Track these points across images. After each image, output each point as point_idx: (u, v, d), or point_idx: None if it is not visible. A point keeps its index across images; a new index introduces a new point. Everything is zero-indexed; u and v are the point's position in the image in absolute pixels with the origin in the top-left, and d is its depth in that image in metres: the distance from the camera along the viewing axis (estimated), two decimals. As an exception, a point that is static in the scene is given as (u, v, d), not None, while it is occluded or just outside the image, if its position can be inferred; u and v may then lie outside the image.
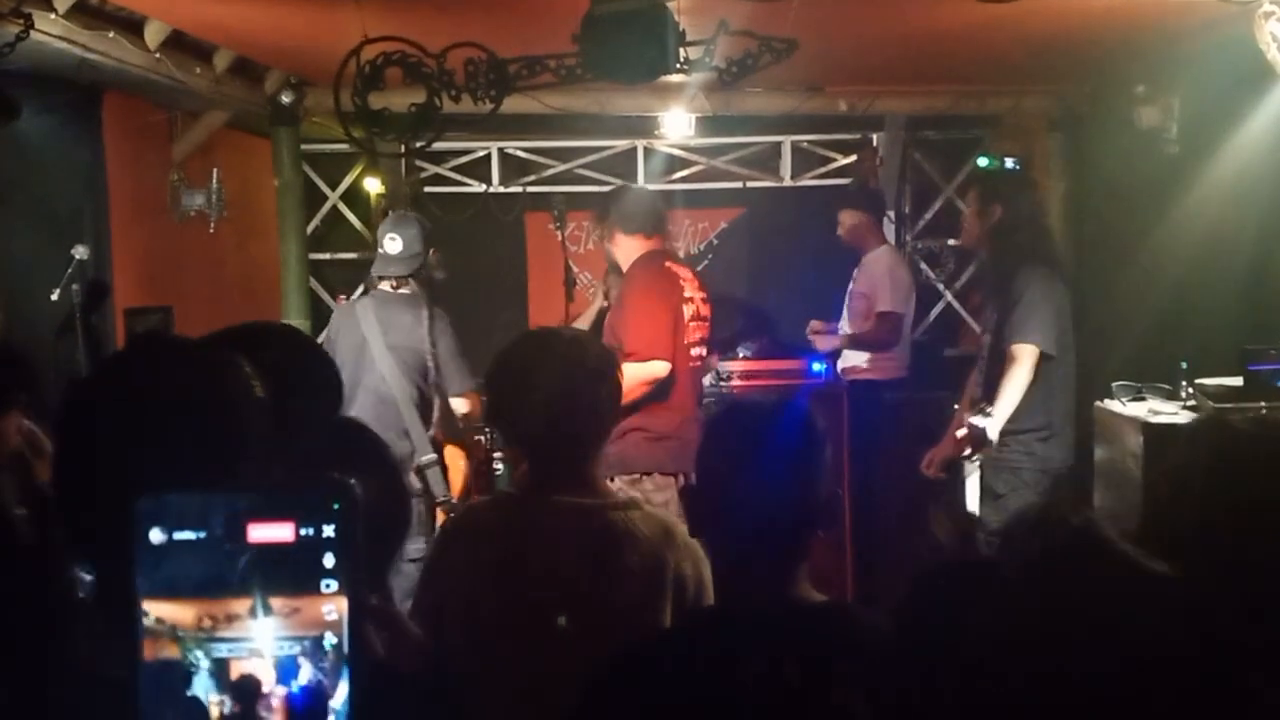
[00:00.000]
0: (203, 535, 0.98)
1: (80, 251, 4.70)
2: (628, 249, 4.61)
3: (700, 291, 4.66)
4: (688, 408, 4.52)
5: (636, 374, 4.18)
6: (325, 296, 7.70)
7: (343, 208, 7.81)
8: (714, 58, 3.87)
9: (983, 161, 7.19)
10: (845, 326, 6.24)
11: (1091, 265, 6.36)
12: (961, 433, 4.68)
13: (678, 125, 6.76)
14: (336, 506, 0.99)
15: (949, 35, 4.95)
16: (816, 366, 5.74)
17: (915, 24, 4.84)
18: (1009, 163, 6.97)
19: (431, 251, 4.80)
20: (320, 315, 7.40)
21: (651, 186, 7.07)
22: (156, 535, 0.98)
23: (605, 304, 5.12)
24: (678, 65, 3.76)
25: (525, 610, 2.24)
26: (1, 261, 4.65)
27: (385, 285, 4.77)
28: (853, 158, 7.83)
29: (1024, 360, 4.52)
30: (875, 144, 7.69)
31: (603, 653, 2.00)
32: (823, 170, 7.90)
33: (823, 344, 6.23)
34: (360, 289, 6.69)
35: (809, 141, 7.84)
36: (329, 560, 0.98)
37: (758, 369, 5.83)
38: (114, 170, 5.42)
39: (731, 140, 7.70)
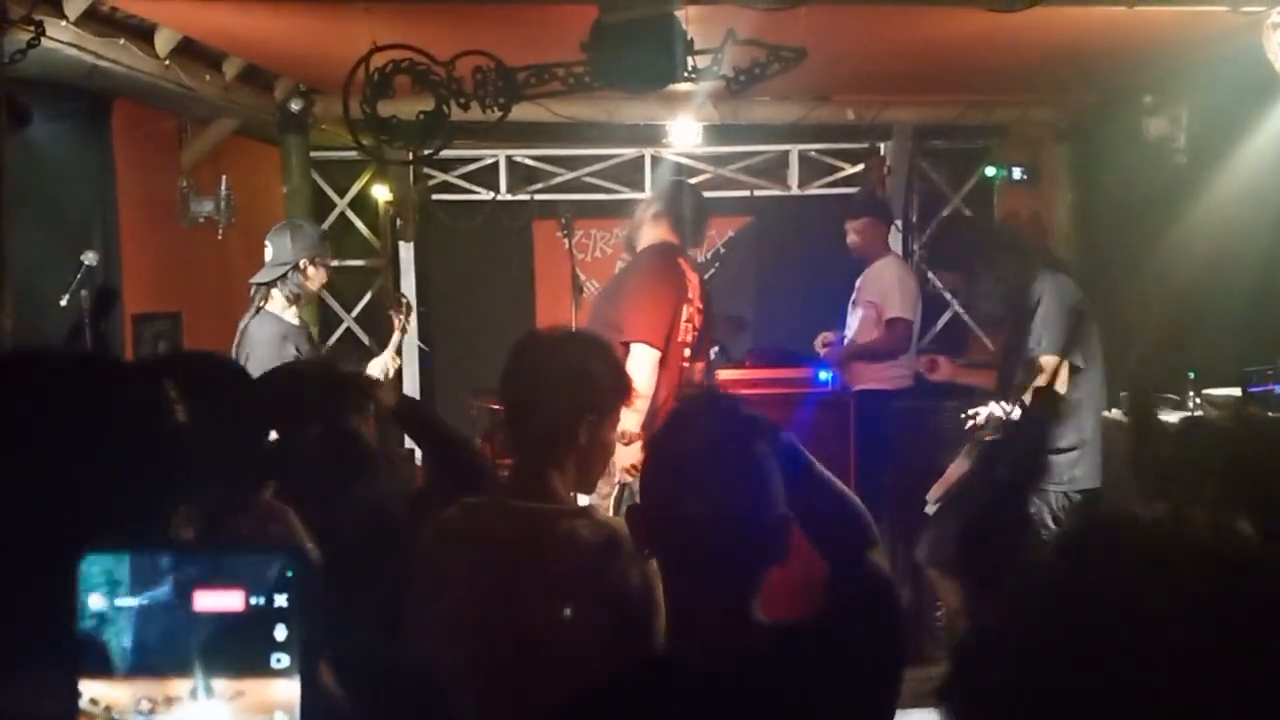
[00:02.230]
0: (146, 602, 0.91)
1: (89, 257, 4.71)
2: (653, 233, 4.63)
3: (700, 301, 4.68)
4: (669, 403, 4.54)
5: (636, 358, 4.21)
6: (333, 303, 7.72)
7: (351, 215, 7.83)
8: (722, 67, 3.88)
9: (990, 171, 7.20)
10: (850, 335, 6.23)
11: (1099, 275, 6.36)
12: (980, 415, 4.69)
13: (685, 134, 6.77)
14: (290, 574, 0.92)
15: (957, 45, 4.95)
16: (823, 375, 5.72)
17: (923, 34, 4.85)
18: (1016, 172, 6.98)
19: (304, 262, 4.66)
20: (328, 322, 7.44)
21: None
22: (98, 600, 0.91)
23: None
24: (686, 74, 3.77)
25: (473, 616, 2.23)
26: (11, 267, 4.66)
27: (268, 304, 4.70)
28: (860, 167, 7.83)
29: (1050, 370, 4.54)
30: (883, 153, 7.69)
31: (542, 663, 2.00)
32: (830, 179, 7.90)
33: (832, 357, 6.23)
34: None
35: (816, 150, 7.84)
36: (280, 632, 0.91)
37: (763, 377, 5.81)
38: (123, 177, 5.44)
39: (739, 149, 7.71)
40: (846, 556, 1.83)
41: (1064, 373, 4.55)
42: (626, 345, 4.21)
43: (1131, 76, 5.76)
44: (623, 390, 2.44)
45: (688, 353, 4.64)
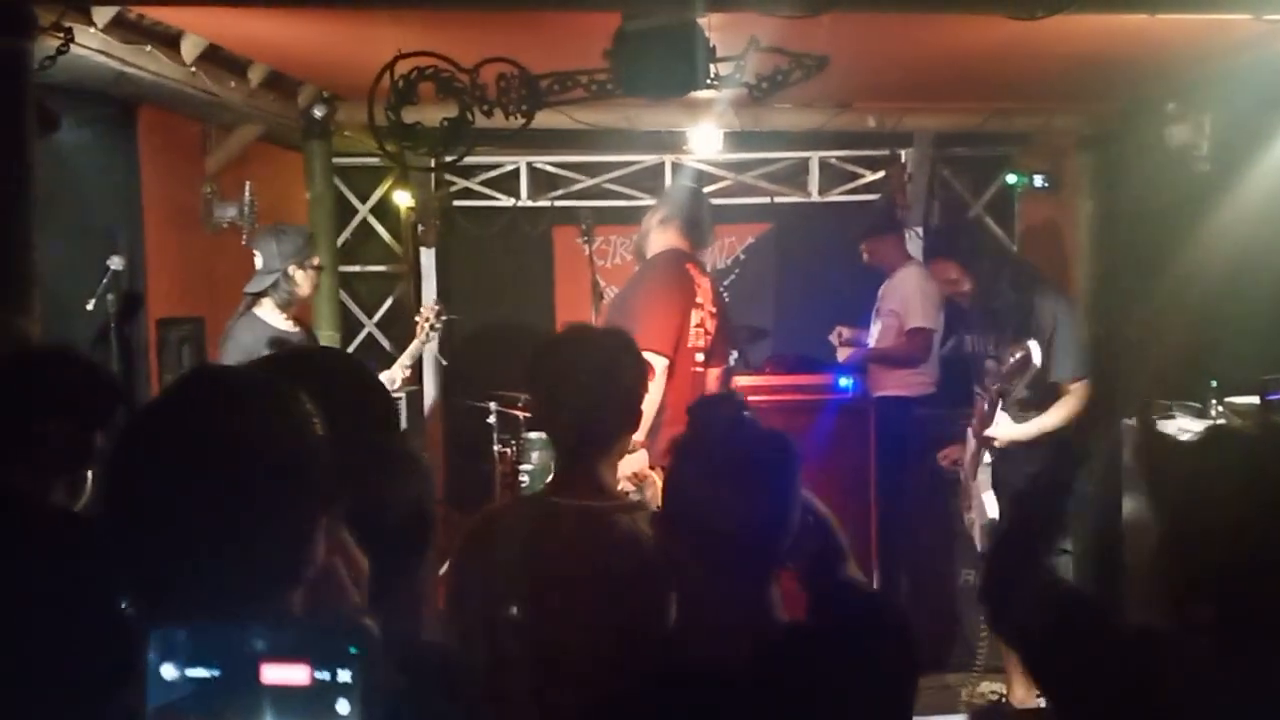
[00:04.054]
0: (216, 674, 0.94)
1: (115, 262, 4.75)
2: (662, 239, 4.62)
3: (713, 305, 4.66)
4: (681, 410, 4.52)
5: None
6: (355, 309, 7.76)
7: (373, 221, 7.87)
8: (744, 74, 3.89)
9: (1011, 179, 7.18)
10: (873, 344, 6.23)
11: (1121, 283, 6.34)
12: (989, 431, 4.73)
13: (706, 140, 6.77)
14: (354, 651, 0.94)
15: (979, 53, 4.95)
16: (844, 382, 5.72)
17: (945, 42, 4.85)
18: (1037, 180, 6.96)
19: (292, 268, 4.65)
20: (350, 327, 7.48)
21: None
22: (169, 671, 0.94)
23: None
24: (708, 81, 3.77)
25: (534, 610, 2.30)
26: (37, 271, 4.70)
27: (256, 307, 4.70)
28: (881, 174, 7.83)
29: (1079, 395, 4.63)
30: (904, 160, 7.69)
31: (607, 654, 2.07)
32: (851, 186, 7.90)
33: (844, 355, 6.22)
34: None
35: (837, 157, 7.85)
36: (343, 707, 0.93)
37: (784, 384, 5.81)
38: (149, 182, 5.49)
39: (760, 156, 7.72)
40: (816, 571, 1.85)
41: (1083, 397, 4.66)
42: None
43: (1154, 84, 5.74)
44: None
45: (700, 358, 4.62)
